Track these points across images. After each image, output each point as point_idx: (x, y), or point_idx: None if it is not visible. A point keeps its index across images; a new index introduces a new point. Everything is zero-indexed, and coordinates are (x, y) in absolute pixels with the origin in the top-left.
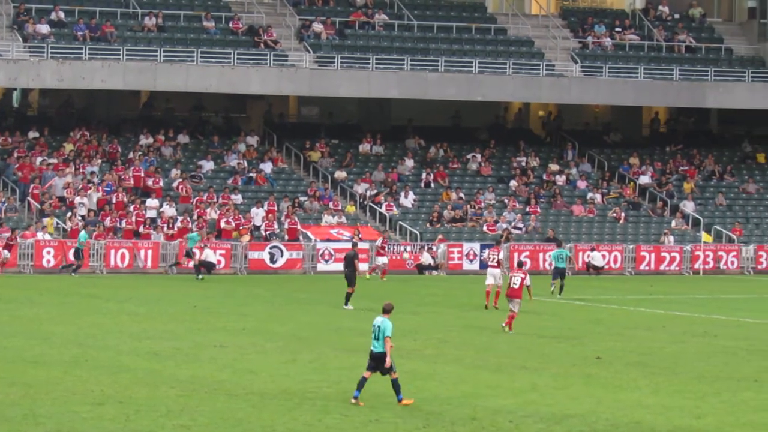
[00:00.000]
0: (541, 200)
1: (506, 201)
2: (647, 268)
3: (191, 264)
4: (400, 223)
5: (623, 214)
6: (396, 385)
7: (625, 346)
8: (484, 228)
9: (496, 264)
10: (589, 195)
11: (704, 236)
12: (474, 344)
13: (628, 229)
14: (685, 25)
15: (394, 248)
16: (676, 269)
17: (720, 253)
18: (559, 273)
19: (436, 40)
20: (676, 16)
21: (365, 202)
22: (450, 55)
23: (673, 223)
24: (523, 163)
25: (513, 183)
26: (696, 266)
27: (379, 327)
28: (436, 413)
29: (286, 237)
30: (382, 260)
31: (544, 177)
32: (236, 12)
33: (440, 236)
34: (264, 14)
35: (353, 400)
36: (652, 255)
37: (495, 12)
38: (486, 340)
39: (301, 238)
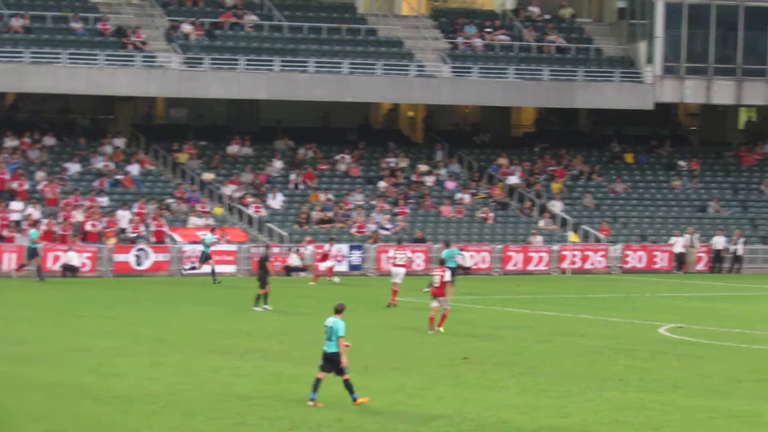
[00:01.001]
0: (410, 201)
1: (375, 202)
2: (515, 267)
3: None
4: (268, 224)
5: (492, 215)
6: (348, 385)
7: (492, 346)
8: (353, 229)
9: (402, 263)
10: (458, 195)
11: (572, 236)
12: None
13: (497, 230)
14: (555, 25)
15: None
16: (543, 269)
17: (587, 252)
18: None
19: (305, 41)
20: (546, 16)
21: (233, 204)
22: (320, 56)
23: (542, 223)
24: (392, 164)
25: (382, 184)
26: (563, 266)
27: (331, 327)
28: (303, 415)
29: (153, 239)
30: (326, 264)
31: (413, 178)
32: (104, 13)
33: (308, 238)
34: (132, 15)
35: (310, 402)
36: (520, 255)
37: (365, 13)
38: (354, 341)
39: (167, 240)
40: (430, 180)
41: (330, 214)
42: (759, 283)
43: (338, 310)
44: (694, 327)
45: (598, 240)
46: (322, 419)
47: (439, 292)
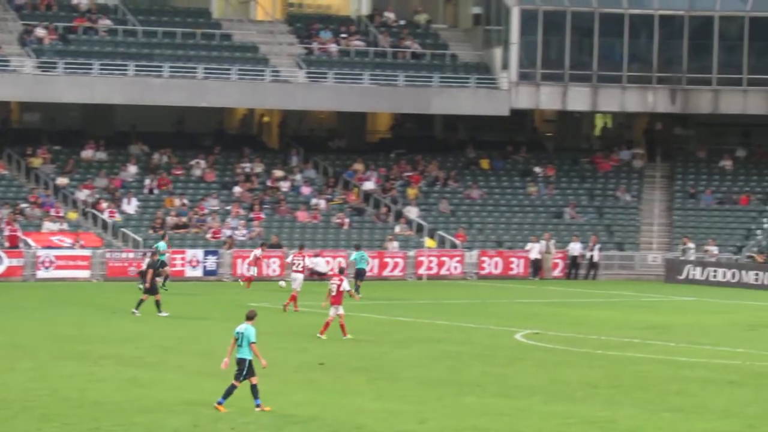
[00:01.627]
0: (265, 206)
1: (230, 207)
2: (371, 273)
3: None
4: (123, 229)
5: (347, 220)
6: (255, 391)
7: (348, 352)
8: (208, 235)
9: (300, 269)
10: (314, 201)
11: (428, 242)
12: (197, 351)
13: (353, 235)
14: (411, 31)
15: (115, 255)
16: (399, 275)
17: (443, 258)
18: (360, 274)
19: (160, 46)
20: (402, 22)
21: (87, 209)
22: (174, 60)
23: (397, 229)
24: (247, 169)
25: (237, 189)
26: (420, 272)
27: (242, 334)
28: (159, 421)
29: (7, 244)
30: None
31: (269, 183)
32: None
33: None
34: None
35: (257, 408)
36: (376, 261)
37: (220, 18)
38: (208, 347)
39: (21, 245)
40: (285, 185)
41: (185, 219)
42: (615, 290)
43: (249, 317)
44: (551, 333)
45: (454, 246)
46: (178, 424)
47: (336, 301)
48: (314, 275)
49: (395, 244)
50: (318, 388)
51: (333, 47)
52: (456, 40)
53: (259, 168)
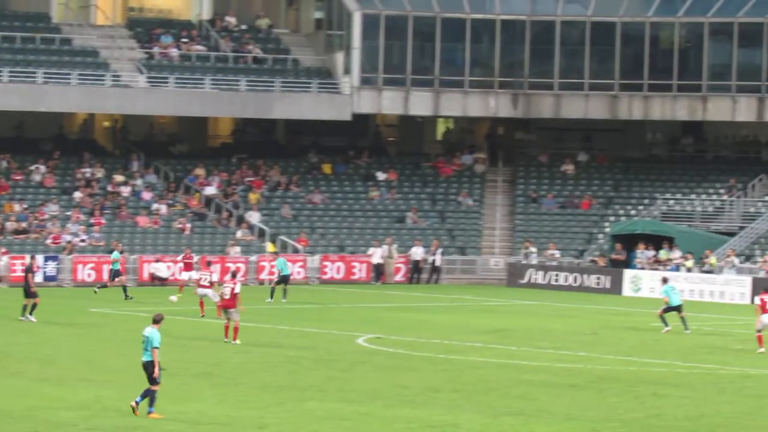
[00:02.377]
0: (106, 211)
1: (70, 213)
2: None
3: None
4: None
5: (189, 225)
6: (152, 396)
7: (190, 357)
8: (48, 240)
9: (206, 284)
10: (155, 206)
11: (270, 246)
12: (37, 357)
13: (194, 240)
14: (252, 36)
15: None
16: (241, 279)
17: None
18: (283, 279)
19: None
20: (243, 27)
21: None
22: (13, 65)
23: (239, 234)
24: (88, 174)
25: (77, 194)
26: (262, 276)
27: (147, 337)
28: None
29: None
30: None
31: (109, 188)
32: None
33: (2, 249)
34: None
35: (133, 406)
36: (218, 266)
37: (60, 22)
38: (49, 353)
39: None
40: (126, 190)
41: (24, 225)
42: (457, 294)
43: (156, 320)
44: (393, 337)
45: (296, 251)
46: (18, 431)
47: (229, 304)
48: (155, 281)
49: (237, 249)
50: (160, 394)
51: (174, 52)
52: (298, 45)
53: (99, 173)
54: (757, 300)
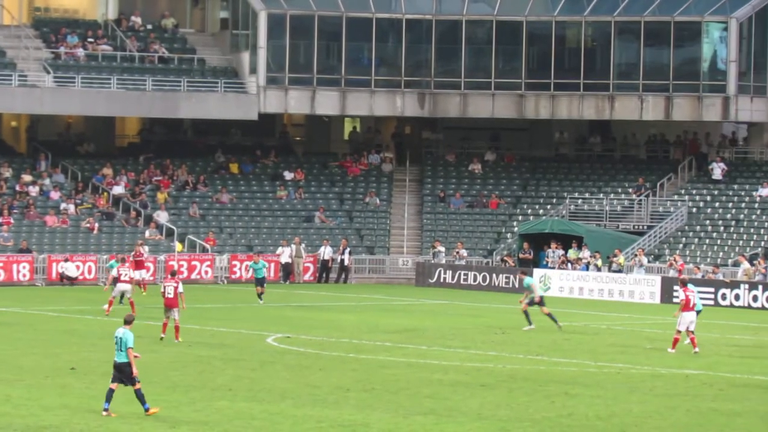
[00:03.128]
0: (14, 211)
1: None
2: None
3: None
4: None
5: (97, 225)
6: (140, 395)
7: (99, 357)
8: None
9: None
10: (63, 206)
11: (177, 246)
12: None
13: (102, 240)
14: (158, 35)
15: None
16: (150, 279)
17: (194, 263)
18: (259, 282)
19: None
20: (149, 26)
21: None
22: None
23: (147, 233)
24: None
25: None
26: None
27: (120, 338)
28: None
29: None
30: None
31: (17, 188)
32: None
33: None
34: None
35: (104, 413)
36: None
37: None
38: None
39: None
40: (34, 190)
41: None
42: (366, 293)
43: (127, 321)
44: (303, 337)
45: (204, 250)
46: None
47: (172, 303)
48: (64, 280)
49: (145, 248)
50: (69, 393)
51: (80, 52)
52: (204, 44)
53: (7, 173)
54: (682, 295)
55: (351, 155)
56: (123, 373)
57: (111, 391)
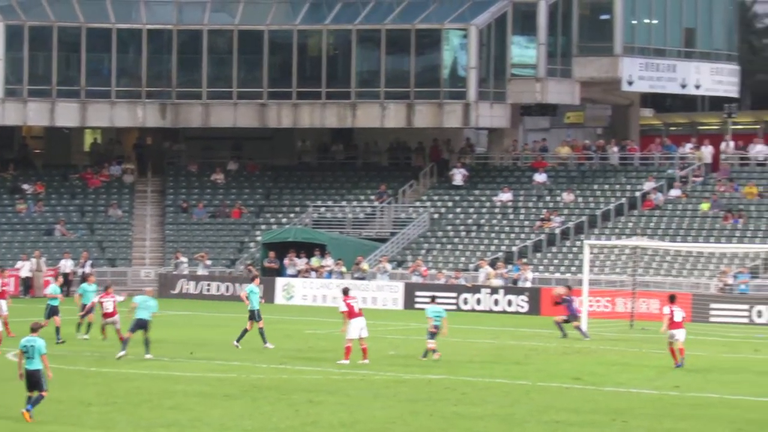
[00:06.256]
0: None
1: None
2: None
3: None
4: None
5: None
6: (37, 400)
7: None
8: None
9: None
10: None
11: None
12: None
13: None
14: None
15: None
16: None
17: None
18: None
19: None
20: None
21: None
22: None
23: None
24: None
25: None
26: None
27: (32, 346)
28: None
29: None
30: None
31: None
32: None
33: None
34: None
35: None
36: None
37: None
38: None
39: None
40: None
41: None
42: None
43: (34, 329)
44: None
45: None
46: None
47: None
48: None
49: None
50: None
51: None
52: None
53: None
54: (666, 310)
55: (92, 167)
56: (33, 380)
57: (29, 398)
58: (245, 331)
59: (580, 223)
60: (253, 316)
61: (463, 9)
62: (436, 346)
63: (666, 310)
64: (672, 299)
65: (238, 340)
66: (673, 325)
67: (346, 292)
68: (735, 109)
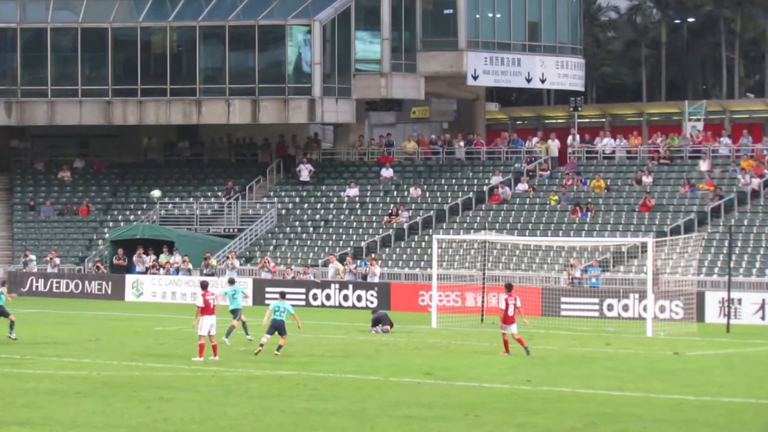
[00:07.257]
0: None
1: None
2: None
3: None
4: None
5: None
6: None
7: None
8: None
9: None
10: None
11: None
12: None
13: None
14: None
15: None
16: None
17: None
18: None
19: None
20: None
21: None
22: None
23: None
24: None
25: None
26: None
27: None
28: None
29: None
30: None
31: None
32: None
33: None
34: None
35: None
36: None
37: None
38: None
39: None
40: None
41: None
42: None
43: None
44: None
45: None
46: None
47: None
48: None
49: None
50: None
51: None
52: None
53: None
54: (502, 305)
55: None
56: None
57: None
58: (232, 327)
59: (428, 217)
60: (236, 314)
61: (306, 4)
62: (267, 341)
63: (502, 304)
64: (509, 288)
65: (227, 336)
66: (507, 319)
67: (204, 286)
68: (581, 102)
